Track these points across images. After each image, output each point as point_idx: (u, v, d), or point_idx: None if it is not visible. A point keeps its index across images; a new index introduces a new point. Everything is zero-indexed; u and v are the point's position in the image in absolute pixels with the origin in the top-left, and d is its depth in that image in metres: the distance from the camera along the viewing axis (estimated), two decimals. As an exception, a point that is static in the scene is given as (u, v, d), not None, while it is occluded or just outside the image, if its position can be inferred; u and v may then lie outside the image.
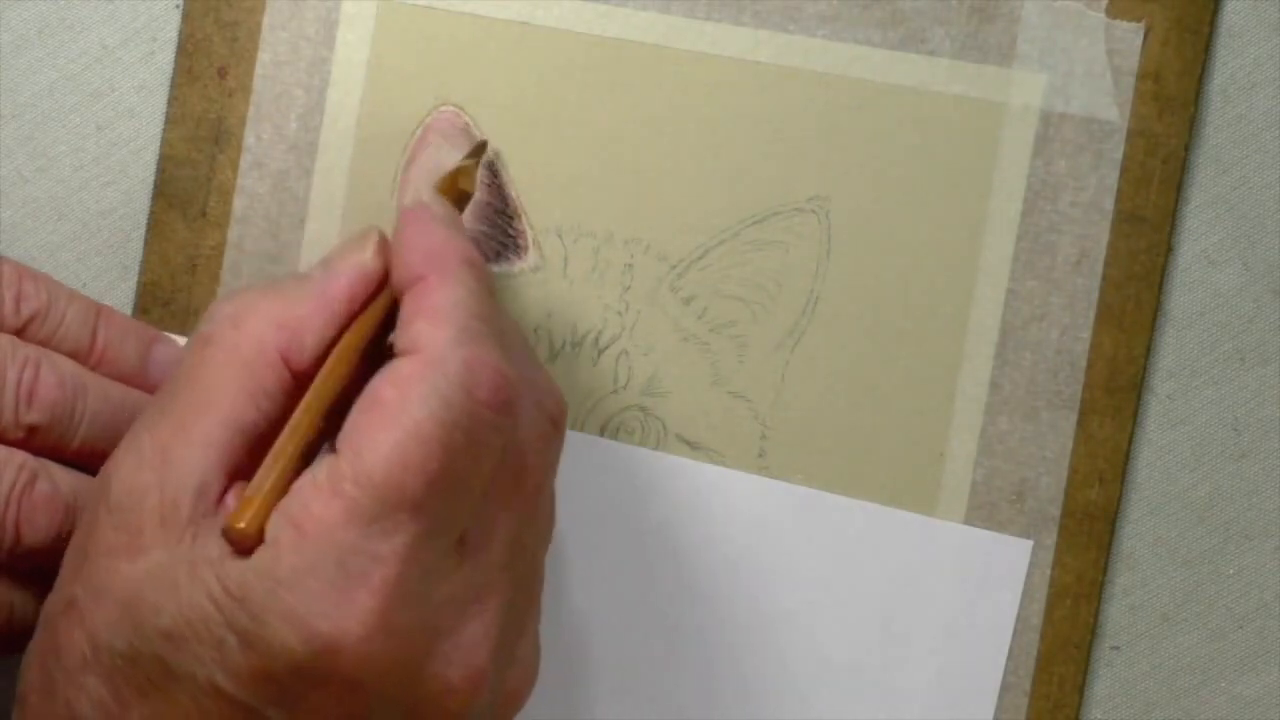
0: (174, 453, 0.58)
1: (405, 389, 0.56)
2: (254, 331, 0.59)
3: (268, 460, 0.57)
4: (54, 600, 0.59)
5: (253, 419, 0.58)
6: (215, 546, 0.56)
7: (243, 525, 0.56)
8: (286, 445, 0.58)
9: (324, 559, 0.55)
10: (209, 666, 0.55)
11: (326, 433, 0.58)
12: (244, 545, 0.56)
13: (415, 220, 0.60)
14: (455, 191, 0.63)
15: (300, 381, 0.59)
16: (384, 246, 0.61)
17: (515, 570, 0.58)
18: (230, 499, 0.57)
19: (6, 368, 0.62)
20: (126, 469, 0.58)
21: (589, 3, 0.68)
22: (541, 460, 0.59)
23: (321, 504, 0.55)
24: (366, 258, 0.60)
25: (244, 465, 0.58)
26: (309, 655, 0.55)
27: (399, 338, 0.58)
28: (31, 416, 0.63)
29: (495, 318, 0.59)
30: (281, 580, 0.55)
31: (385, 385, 0.56)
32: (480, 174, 0.68)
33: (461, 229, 0.61)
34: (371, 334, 0.60)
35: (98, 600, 0.57)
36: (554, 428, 0.60)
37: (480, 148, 0.65)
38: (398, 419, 0.55)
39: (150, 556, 0.57)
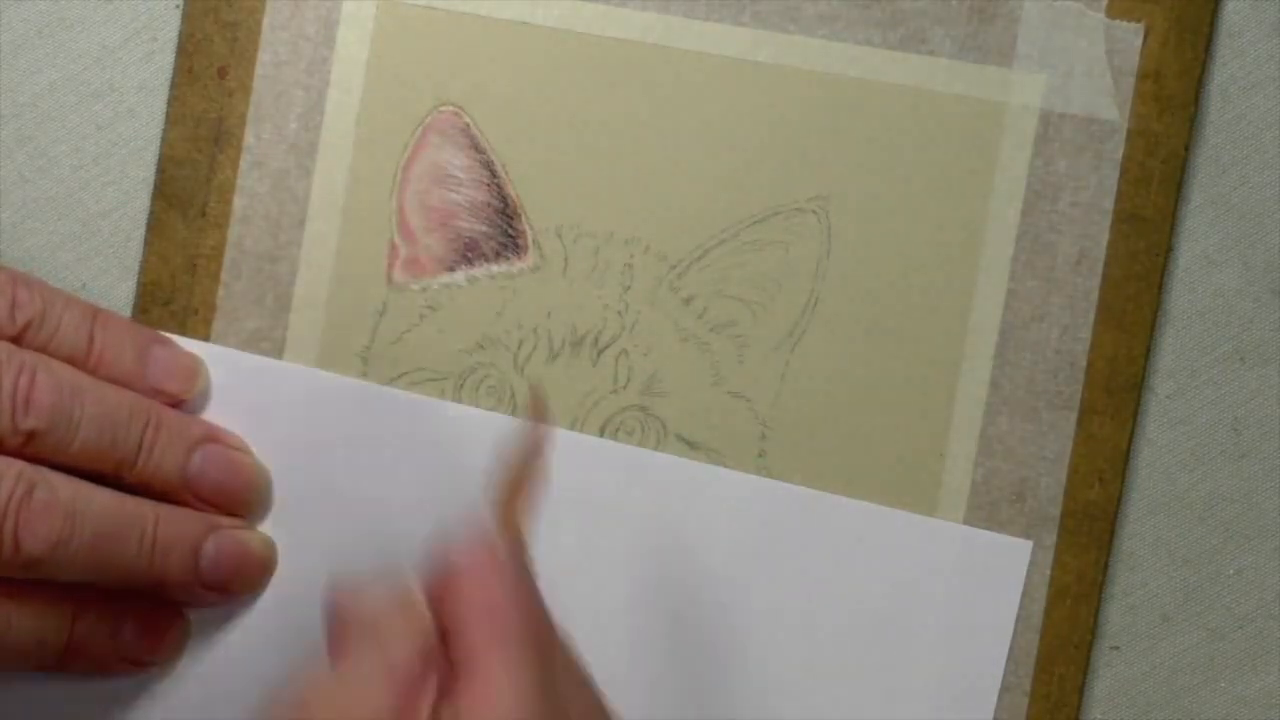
0: None
1: None
2: None
3: None
4: None
5: None
6: None
7: None
8: None
9: None
10: None
11: None
12: None
13: (477, 576, 0.56)
14: (531, 482, 0.60)
15: None
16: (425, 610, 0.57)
17: None
18: None
19: (3, 374, 0.62)
20: None
21: (589, 3, 0.68)
22: None
23: None
24: (425, 639, 0.57)
25: None
26: None
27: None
28: (29, 422, 0.63)
29: (556, 701, 0.55)
30: None
31: None
32: (480, 174, 0.68)
33: (527, 574, 0.57)
34: None
35: None
36: None
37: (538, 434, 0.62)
38: None
39: None
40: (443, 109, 0.68)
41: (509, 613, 0.55)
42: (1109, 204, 0.67)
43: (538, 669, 0.55)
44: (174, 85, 0.68)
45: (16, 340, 0.64)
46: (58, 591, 0.64)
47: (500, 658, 0.54)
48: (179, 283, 0.68)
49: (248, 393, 0.68)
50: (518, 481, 0.59)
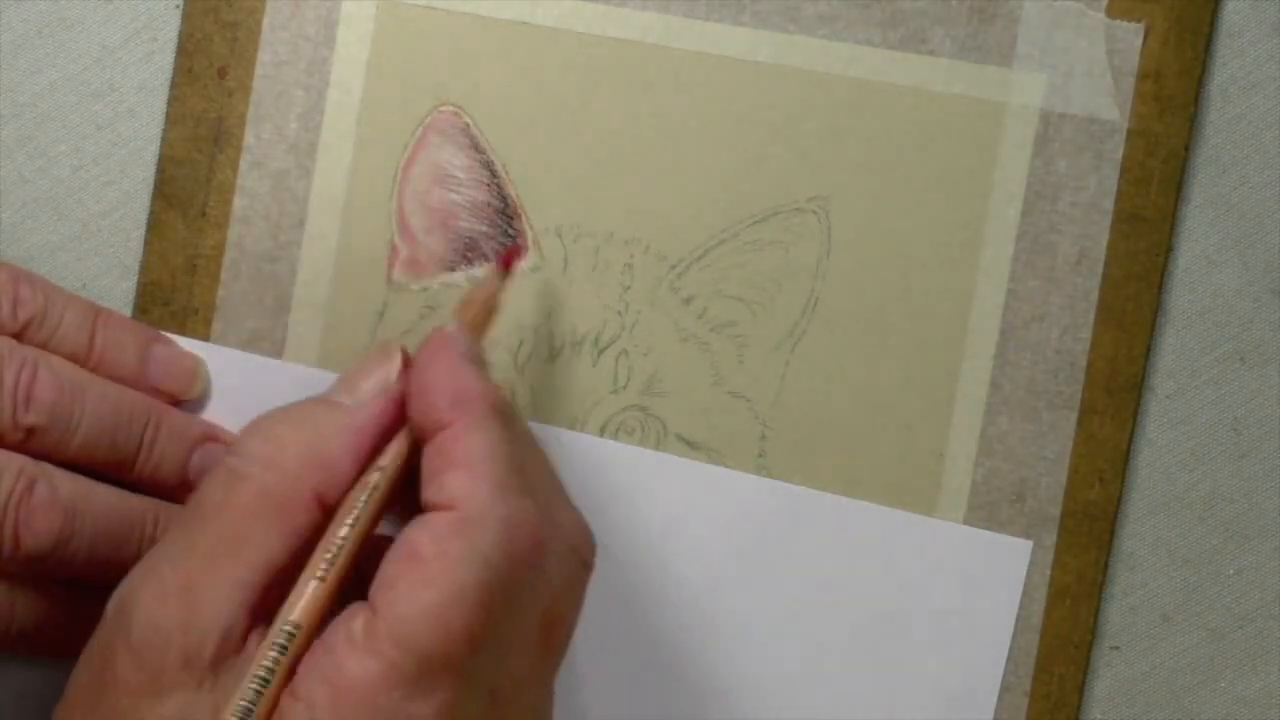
0: (201, 593, 0.56)
1: (444, 545, 0.55)
2: (289, 472, 0.58)
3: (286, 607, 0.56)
4: None
5: (282, 559, 0.57)
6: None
7: None
8: (314, 604, 0.57)
9: None
10: None
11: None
12: None
13: (439, 357, 0.59)
14: (486, 313, 0.63)
15: (330, 516, 0.58)
16: (409, 366, 0.60)
17: (538, 711, 0.58)
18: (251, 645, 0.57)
19: (4, 370, 0.62)
20: (148, 604, 0.56)
21: (589, 3, 0.68)
22: (573, 607, 0.59)
23: (358, 663, 0.54)
24: (393, 381, 0.59)
25: (267, 602, 0.57)
26: None
27: (429, 489, 0.57)
28: (30, 418, 0.63)
29: (525, 464, 0.58)
30: None
31: (424, 540, 0.55)
32: (480, 174, 0.68)
33: (484, 365, 0.60)
34: (397, 480, 0.59)
35: None
36: (585, 569, 0.59)
37: (507, 264, 0.66)
38: (438, 579, 0.54)
39: (172, 699, 0.56)
40: (443, 109, 0.68)
41: (475, 388, 0.58)
42: (1109, 204, 0.67)
43: (500, 426, 0.57)
44: (174, 85, 0.68)
45: (18, 337, 0.64)
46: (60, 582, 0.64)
47: (464, 412, 0.57)
48: (179, 283, 0.68)
49: (248, 393, 0.68)
50: (475, 303, 0.63)
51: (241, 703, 0.55)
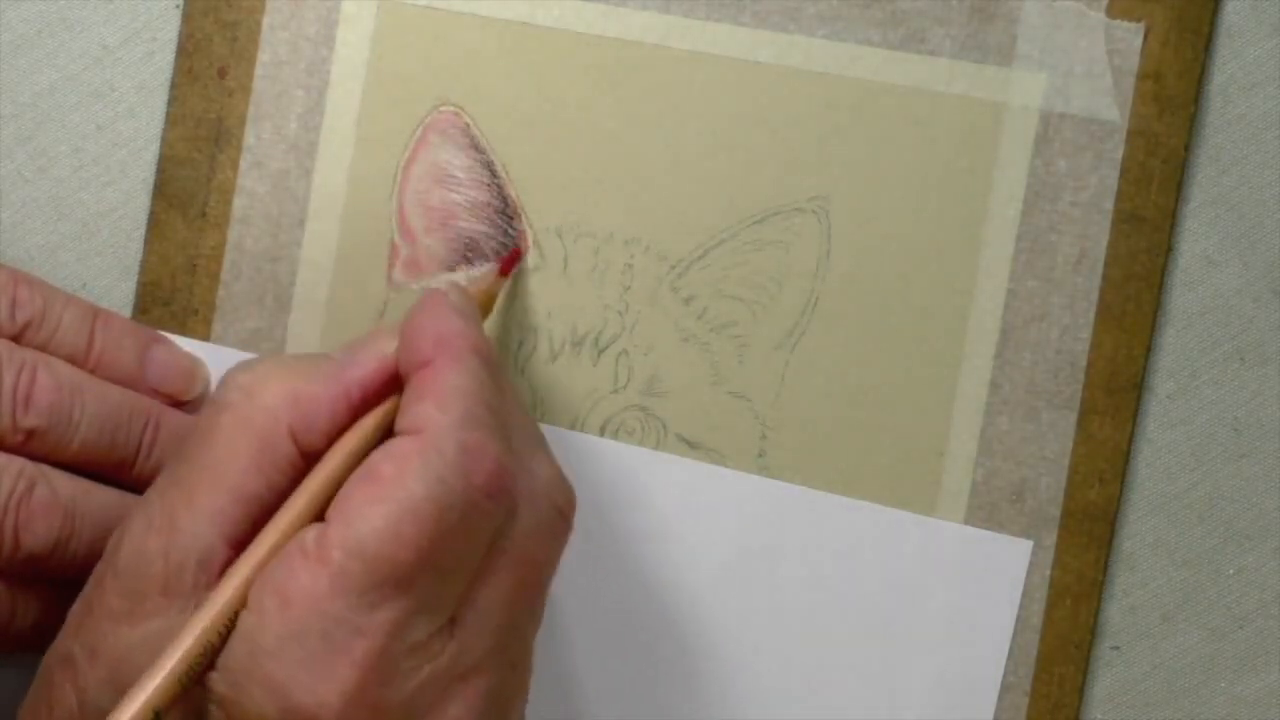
0: (180, 521, 0.57)
1: (403, 465, 0.56)
2: (266, 403, 0.58)
3: (261, 536, 0.57)
4: (54, 651, 0.59)
5: (259, 491, 0.58)
6: None
7: None
8: (280, 526, 0.57)
9: (308, 629, 0.55)
10: None
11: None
12: None
13: (429, 305, 0.60)
14: (481, 307, 0.64)
15: (308, 460, 0.59)
16: None
17: (507, 654, 0.58)
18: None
19: (3, 373, 0.62)
20: (135, 533, 0.58)
21: (589, 3, 0.68)
22: (547, 553, 0.59)
23: (308, 572, 0.55)
24: (389, 350, 0.60)
25: (247, 536, 0.57)
26: None
27: (401, 418, 0.58)
28: (29, 420, 0.63)
29: (502, 408, 0.58)
30: (265, 648, 0.55)
31: (383, 460, 0.56)
32: (480, 174, 0.68)
33: (477, 321, 0.61)
34: (383, 428, 0.59)
35: (92, 660, 0.57)
36: (562, 521, 0.60)
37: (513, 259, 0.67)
38: (393, 493, 0.55)
39: (150, 623, 0.57)
40: (443, 109, 0.68)
41: (459, 332, 0.59)
42: (1109, 204, 0.67)
43: (479, 367, 0.58)
44: (174, 85, 0.68)
45: (17, 339, 0.64)
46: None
47: (444, 351, 0.58)
48: (179, 283, 0.68)
49: (248, 393, 0.68)
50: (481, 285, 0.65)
51: (201, 623, 0.55)
